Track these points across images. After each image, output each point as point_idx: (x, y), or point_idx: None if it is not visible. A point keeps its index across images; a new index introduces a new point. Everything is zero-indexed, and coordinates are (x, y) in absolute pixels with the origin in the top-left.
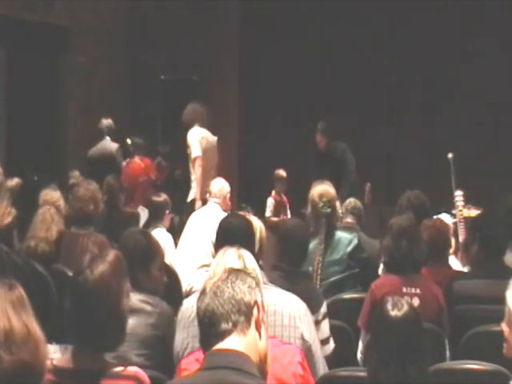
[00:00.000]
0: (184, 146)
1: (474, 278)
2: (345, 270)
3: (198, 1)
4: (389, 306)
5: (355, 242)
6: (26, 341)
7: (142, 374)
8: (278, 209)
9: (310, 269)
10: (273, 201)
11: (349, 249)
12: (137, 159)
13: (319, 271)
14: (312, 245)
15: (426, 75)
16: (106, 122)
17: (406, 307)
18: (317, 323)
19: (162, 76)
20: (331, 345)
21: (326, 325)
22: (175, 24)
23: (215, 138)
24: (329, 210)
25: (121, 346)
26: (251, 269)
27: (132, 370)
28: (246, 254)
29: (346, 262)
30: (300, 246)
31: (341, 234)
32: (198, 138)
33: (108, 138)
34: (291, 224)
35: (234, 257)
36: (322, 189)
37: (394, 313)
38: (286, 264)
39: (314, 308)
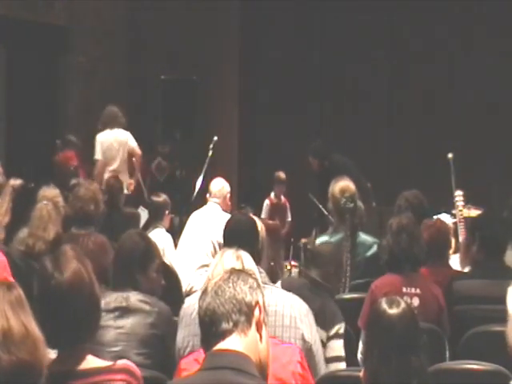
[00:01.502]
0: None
1: (473, 278)
2: (360, 276)
3: (198, 1)
4: (385, 304)
5: (375, 248)
6: (25, 340)
7: (133, 366)
8: (274, 211)
9: None
10: (268, 203)
11: (368, 254)
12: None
13: (348, 268)
14: (334, 241)
15: (426, 75)
16: None
17: (402, 305)
18: (327, 339)
19: (162, 76)
20: (340, 365)
21: (337, 344)
22: (175, 24)
23: (125, 140)
24: (352, 204)
25: (98, 330)
26: (249, 270)
27: (122, 363)
28: (245, 255)
29: (363, 267)
30: (334, 265)
31: (363, 237)
32: (101, 141)
33: None
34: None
35: (233, 258)
36: (343, 184)
37: (391, 311)
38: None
39: (327, 324)
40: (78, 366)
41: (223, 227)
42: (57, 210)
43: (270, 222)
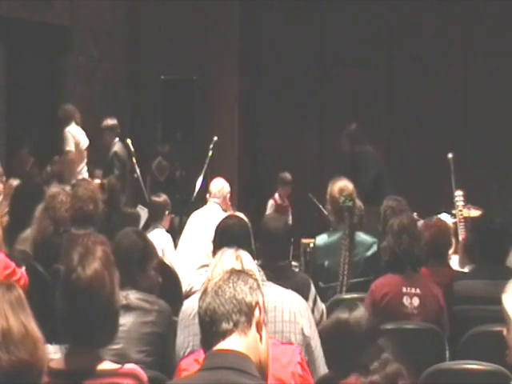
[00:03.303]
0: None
1: (474, 279)
2: (360, 275)
3: (198, 1)
4: (340, 311)
5: (375, 248)
6: (24, 340)
7: (140, 371)
8: (279, 212)
9: (327, 262)
10: (273, 202)
11: (368, 253)
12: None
13: (346, 267)
14: (333, 239)
15: (426, 75)
16: (111, 122)
17: (358, 309)
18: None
19: (162, 76)
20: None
21: (319, 304)
22: (175, 24)
23: (86, 140)
24: (350, 203)
25: (114, 340)
26: (249, 270)
27: (129, 367)
28: (245, 255)
29: (362, 266)
30: (279, 239)
31: (362, 236)
32: (73, 134)
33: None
34: (268, 218)
35: (232, 258)
36: (341, 184)
37: (346, 316)
38: (270, 260)
39: (305, 294)
40: (86, 366)
41: (215, 231)
42: (47, 210)
43: None
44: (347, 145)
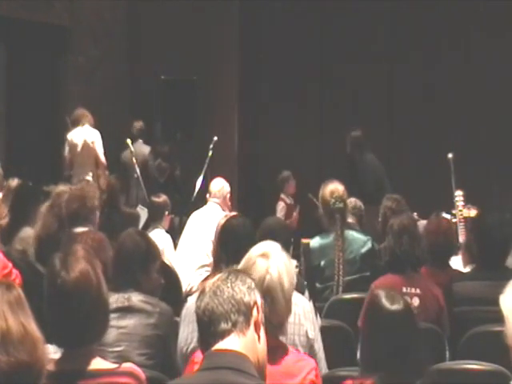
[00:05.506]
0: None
1: (474, 280)
2: (356, 272)
3: (198, 1)
4: (386, 301)
5: (369, 244)
6: (23, 341)
7: (138, 369)
8: (290, 212)
9: (322, 263)
10: (283, 204)
11: (362, 250)
12: None
13: (341, 267)
14: (326, 241)
15: (425, 75)
16: (138, 124)
17: (401, 301)
18: None
19: (162, 76)
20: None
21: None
22: (175, 24)
23: (93, 136)
24: (341, 204)
25: (106, 331)
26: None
27: (127, 366)
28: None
29: (358, 263)
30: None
31: (355, 235)
32: (69, 139)
33: (140, 140)
34: (267, 221)
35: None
36: (332, 187)
37: (392, 308)
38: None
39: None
40: (83, 366)
41: (222, 234)
42: (51, 208)
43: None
44: (348, 150)
